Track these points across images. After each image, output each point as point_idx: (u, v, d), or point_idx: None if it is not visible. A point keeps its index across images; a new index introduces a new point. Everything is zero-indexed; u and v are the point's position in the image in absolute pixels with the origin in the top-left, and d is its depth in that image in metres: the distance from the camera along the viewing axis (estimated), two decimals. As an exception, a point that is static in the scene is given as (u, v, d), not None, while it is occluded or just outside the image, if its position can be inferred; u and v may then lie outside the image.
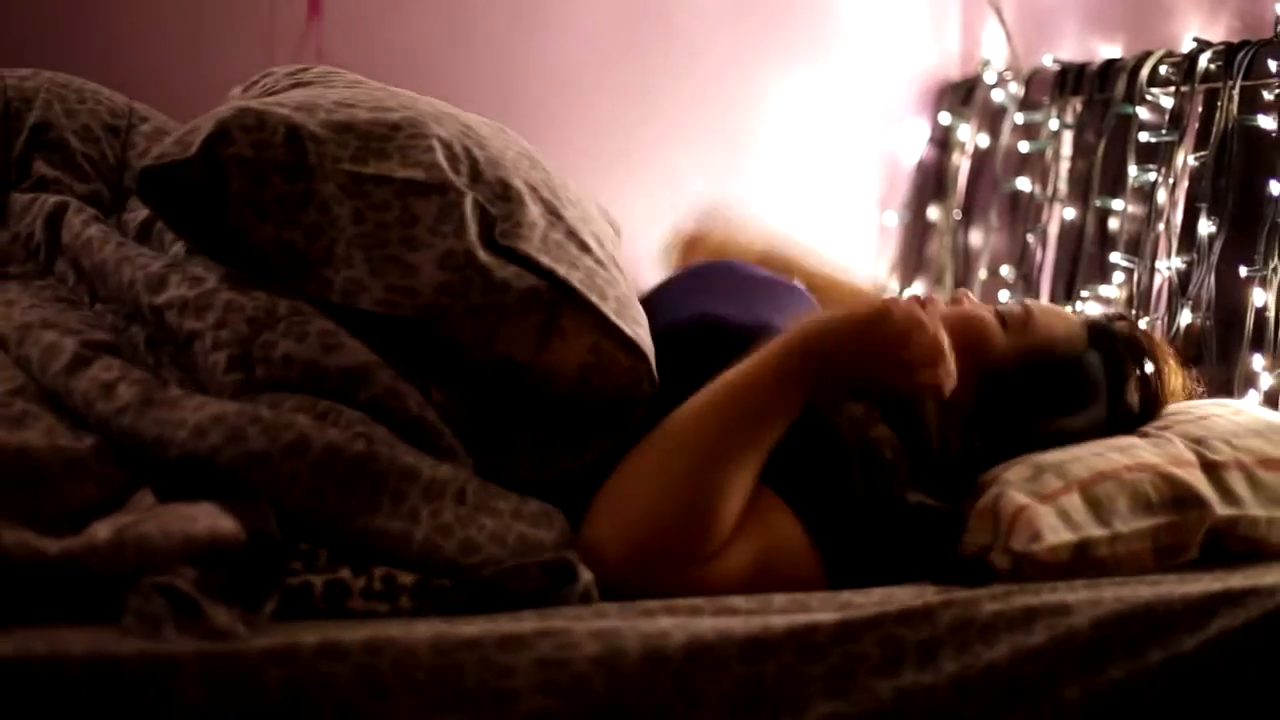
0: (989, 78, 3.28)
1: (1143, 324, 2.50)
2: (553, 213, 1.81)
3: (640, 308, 1.84)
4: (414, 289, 1.71)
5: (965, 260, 3.32)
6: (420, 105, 1.85)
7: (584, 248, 1.80)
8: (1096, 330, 2.00)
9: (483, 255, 1.72)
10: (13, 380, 1.69)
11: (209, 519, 1.52)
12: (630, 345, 1.76)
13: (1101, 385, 1.97)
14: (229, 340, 1.68)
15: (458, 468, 1.68)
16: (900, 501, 1.81)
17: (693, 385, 1.79)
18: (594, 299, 1.75)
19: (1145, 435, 1.96)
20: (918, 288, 3.42)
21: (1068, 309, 2.10)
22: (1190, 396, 2.08)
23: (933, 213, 3.43)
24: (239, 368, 1.67)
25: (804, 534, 1.77)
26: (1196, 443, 1.91)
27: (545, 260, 1.74)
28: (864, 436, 1.84)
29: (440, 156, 1.76)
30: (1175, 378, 2.06)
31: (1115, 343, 1.99)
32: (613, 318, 1.75)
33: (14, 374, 1.70)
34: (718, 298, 2.00)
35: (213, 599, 1.47)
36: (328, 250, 1.72)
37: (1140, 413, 2.01)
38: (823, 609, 1.65)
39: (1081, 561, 1.79)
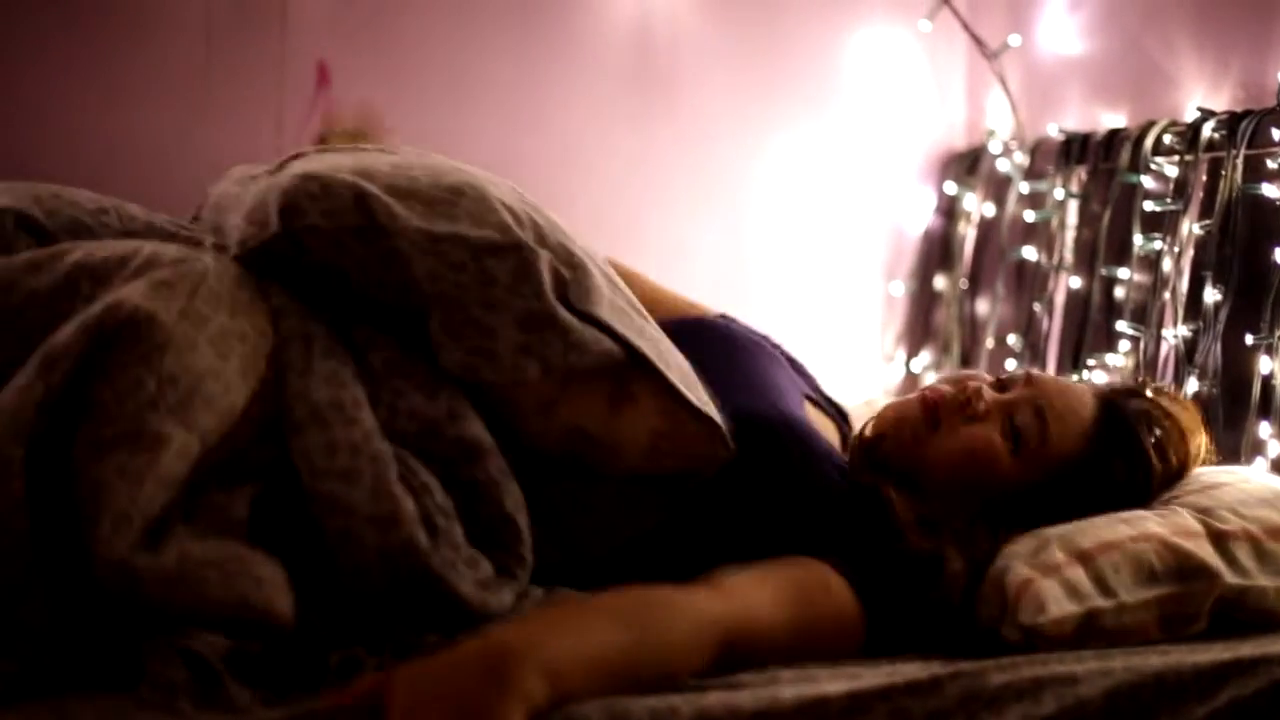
0: (994, 147, 3.29)
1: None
2: (610, 281, 1.79)
3: (696, 376, 1.82)
4: (493, 352, 1.68)
5: (972, 329, 3.32)
6: (471, 170, 1.81)
7: (644, 317, 1.80)
8: (1114, 419, 1.99)
9: (563, 314, 1.69)
10: None
11: (271, 591, 1.50)
12: (698, 414, 1.76)
13: (1121, 485, 1.97)
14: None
15: (518, 598, 1.65)
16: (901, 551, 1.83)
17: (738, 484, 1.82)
18: (662, 368, 1.74)
19: (1151, 506, 1.96)
20: (925, 357, 3.43)
21: (1081, 386, 2.07)
22: (1208, 462, 2.08)
23: (939, 282, 3.44)
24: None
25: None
26: (1203, 513, 1.90)
27: (619, 327, 1.72)
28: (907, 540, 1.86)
29: (508, 217, 1.72)
30: (1197, 440, 2.06)
31: (1135, 433, 1.99)
32: (681, 388, 1.74)
33: None
34: (734, 385, 1.95)
35: (237, 677, 1.45)
36: (418, 309, 1.70)
37: (1156, 489, 2.00)
38: (831, 681, 1.64)
39: (1088, 633, 1.78)
